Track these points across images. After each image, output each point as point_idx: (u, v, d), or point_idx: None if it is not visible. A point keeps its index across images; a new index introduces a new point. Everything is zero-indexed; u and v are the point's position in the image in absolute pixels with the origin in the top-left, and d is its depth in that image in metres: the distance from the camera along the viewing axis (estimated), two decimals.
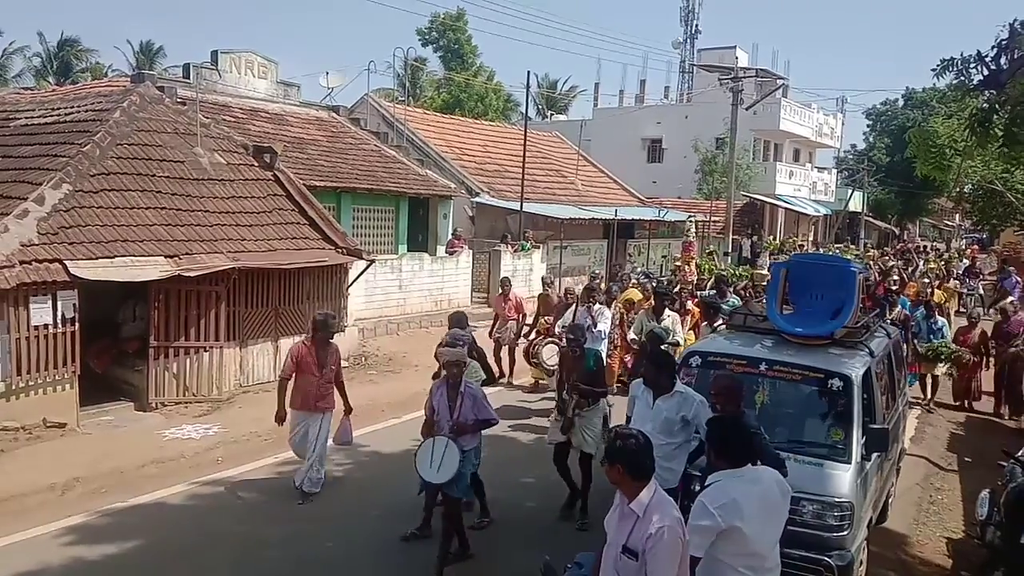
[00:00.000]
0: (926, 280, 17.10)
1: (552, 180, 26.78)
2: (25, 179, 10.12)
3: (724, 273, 14.65)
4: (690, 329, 11.76)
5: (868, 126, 51.74)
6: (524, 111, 23.84)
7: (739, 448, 3.94)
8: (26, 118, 12.80)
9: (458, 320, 8.41)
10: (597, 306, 10.69)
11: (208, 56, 18.35)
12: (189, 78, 17.44)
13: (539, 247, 21.22)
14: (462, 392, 6.28)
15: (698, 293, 13.19)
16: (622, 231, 24.55)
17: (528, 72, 22.57)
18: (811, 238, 42.10)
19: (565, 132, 33.02)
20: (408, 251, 18.71)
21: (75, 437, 9.14)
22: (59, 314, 9.19)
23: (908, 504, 8.23)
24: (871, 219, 47.82)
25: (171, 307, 10.36)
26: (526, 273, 20.05)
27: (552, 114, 47.07)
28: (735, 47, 37.85)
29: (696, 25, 51.33)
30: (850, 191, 44.22)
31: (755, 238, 33.13)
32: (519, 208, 21.19)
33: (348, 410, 7.82)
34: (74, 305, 9.35)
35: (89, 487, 7.70)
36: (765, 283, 12.48)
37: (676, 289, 13.52)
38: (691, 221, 17.13)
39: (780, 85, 31.93)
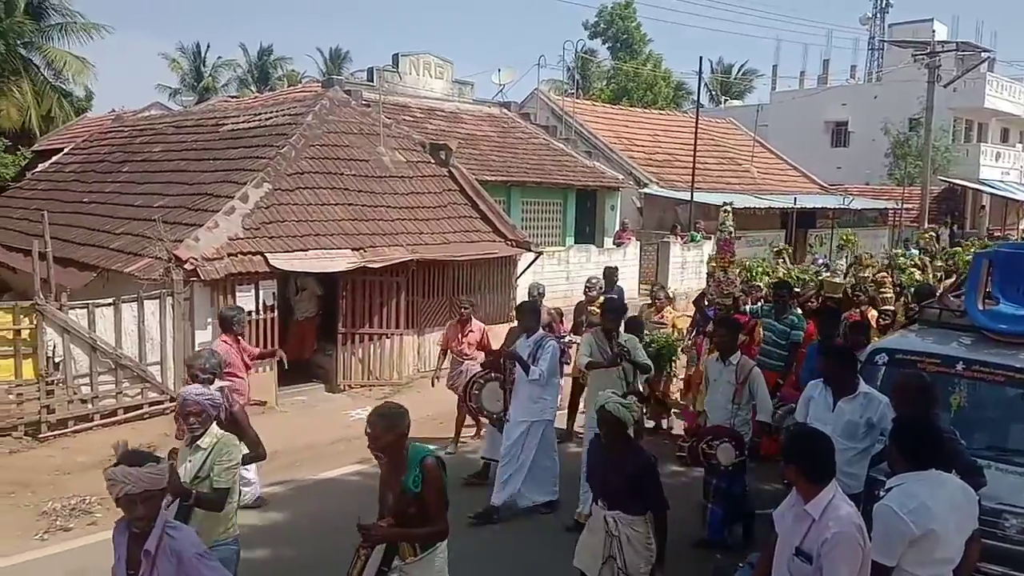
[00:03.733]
0: None
1: (725, 168, 25.94)
2: (231, 179, 11.20)
3: (787, 280, 10.11)
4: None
5: None
6: (696, 98, 23.28)
7: (926, 450, 3.67)
8: (232, 123, 14.13)
9: (202, 363, 5.15)
10: (540, 333, 7.06)
11: (390, 59, 19.45)
12: (372, 81, 18.54)
13: (710, 238, 20.63)
14: (151, 551, 3.22)
15: (745, 307, 9.34)
16: (802, 220, 23.38)
17: (700, 58, 22.09)
18: (1022, 227, 37.90)
19: (740, 118, 31.81)
20: (575, 243, 18.85)
21: (274, 414, 10.03)
22: (260, 302, 10.12)
23: None
24: None
25: (357, 296, 11.09)
26: (696, 265, 19.58)
27: (726, 100, 45.46)
28: (932, 20, 34.74)
29: None
30: None
31: (955, 227, 30.36)
32: (689, 198, 20.71)
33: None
34: (273, 293, 10.26)
35: (286, 460, 8.43)
36: (839, 295, 9.16)
37: (708, 303, 9.30)
38: (726, 210, 9.82)
39: (985, 58, 29.02)
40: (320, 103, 13.04)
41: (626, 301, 9.61)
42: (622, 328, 7.25)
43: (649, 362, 7.02)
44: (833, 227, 25.09)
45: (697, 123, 21.91)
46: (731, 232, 9.56)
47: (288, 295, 11.51)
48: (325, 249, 10.69)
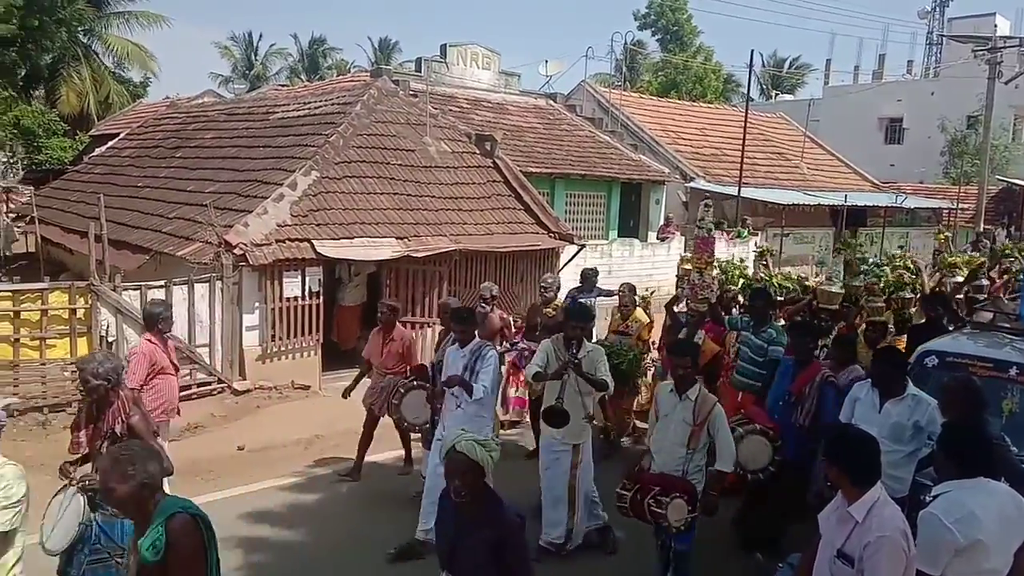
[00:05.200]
0: None
1: (774, 164, 25.51)
2: (280, 167, 11.39)
3: (765, 286, 8.86)
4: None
5: None
6: (746, 92, 22.94)
7: (974, 456, 3.58)
8: (282, 112, 14.35)
9: (94, 367, 4.43)
10: (477, 342, 6.02)
11: (438, 50, 19.50)
12: (420, 71, 18.64)
13: (757, 234, 20.34)
14: None
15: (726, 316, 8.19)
16: (852, 218, 22.91)
17: (752, 51, 21.70)
18: None
19: (791, 113, 31.21)
20: (619, 236, 18.74)
21: (317, 398, 10.19)
22: (306, 288, 10.29)
23: None
24: None
25: (400, 285, 11.20)
26: (739, 262, 19.31)
27: (777, 94, 44.67)
28: (994, 14, 33.61)
29: None
30: None
31: (1011, 228, 29.44)
32: (737, 193, 20.42)
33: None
34: (319, 280, 10.42)
35: (327, 443, 8.58)
36: (836, 305, 8.12)
37: (681, 307, 8.21)
38: (706, 204, 8.45)
39: None
40: (368, 93, 13.17)
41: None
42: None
43: (606, 379, 5.83)
44: (884, 226, 24.53)
45: (747, 117, 21.52)
46: (710, 229, 8.43)
47: (342, 280, 11.66)
48: (370, 237, 10.81)
